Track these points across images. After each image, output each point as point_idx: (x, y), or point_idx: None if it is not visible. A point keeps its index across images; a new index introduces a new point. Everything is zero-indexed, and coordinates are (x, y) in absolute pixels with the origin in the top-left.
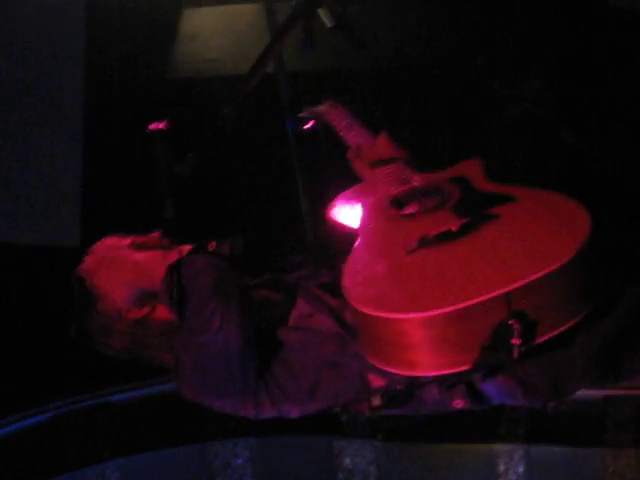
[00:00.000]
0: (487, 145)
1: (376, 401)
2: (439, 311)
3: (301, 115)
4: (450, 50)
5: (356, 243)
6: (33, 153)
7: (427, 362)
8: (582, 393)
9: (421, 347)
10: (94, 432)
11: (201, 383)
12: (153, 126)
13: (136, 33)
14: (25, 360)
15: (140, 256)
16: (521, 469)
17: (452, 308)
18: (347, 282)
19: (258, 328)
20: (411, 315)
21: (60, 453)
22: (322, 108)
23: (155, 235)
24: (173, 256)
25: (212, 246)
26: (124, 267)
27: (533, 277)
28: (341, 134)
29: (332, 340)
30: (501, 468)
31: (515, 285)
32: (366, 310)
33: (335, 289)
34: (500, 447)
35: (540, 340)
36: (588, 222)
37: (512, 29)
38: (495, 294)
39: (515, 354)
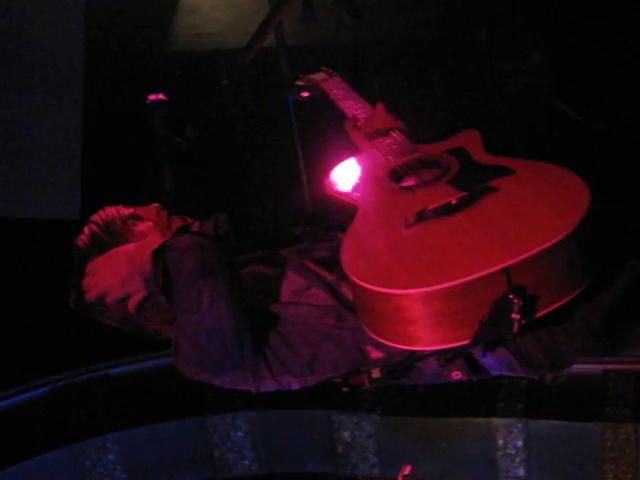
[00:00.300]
0: (488, 119)
1: (376, 373)
2: (439, 286)
3: (297, 83)
4: (451, 24)
5: (355, 217)
6: (33, 127)
7: (427, 337)
8: (581, 367)
9: (421, 322)
10: (93, 405)
11: (199, 361)
12: (152, 97)
13: (136, 6)
14: (24, 334)
15: (131, 246)
16: (520, 443)
17: (452, 283)
18: (346, 256)
19: (254, 304)
20: (411, 291)
21: (59, 426)
22: (318, 76)
23: (154, 207)
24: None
25: (196, 226)
26: (118, 258)
27: (532, 252)
28: (338, 104)
29: (329, 313)
30: (500, 442)
31: (515, 260)
32: (366, 285)
33: (331, 263)
34: (499, 421)
35: (540, 314)
36: (587, 195)
37: (513, 3)
38: (495, 269)
39: (515, 328)
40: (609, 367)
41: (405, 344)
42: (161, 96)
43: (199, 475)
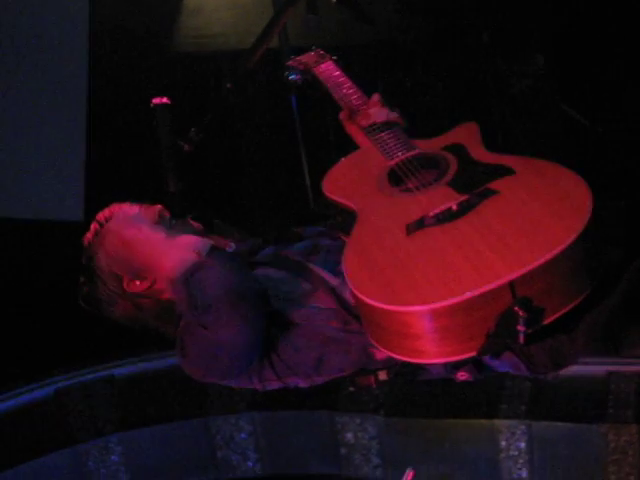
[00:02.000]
0: (491, 121)
1: (383, 375)
2: (444, 303)
3: (287, 64)
4: (454, 25)
5: (355, 224)
6: (36, 128)
7: (433, 350)
8: (584, 369)
9: (426, 337)
10: (97, 406)
11: (206, 367)
12: (156, 101)
13: (140, 7)
14: (28, 334)
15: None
16: (522, 445)
17: (457, 300)
18: (349, 270)
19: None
20: (416, 308)
21: (63, 427)
22: (309, 58)
23: (156, 208)
24: (176, 242)
25: (229, 246)
26: (123, 245)
27: (537, 263)
28: (330, 91)
29: (335, 317)
30: (503, 444)
31: (520, 272)
32: (370, 302)
33: (335, 266)
34: (502, 423)
35: (545, 322)
36: (589, 199)
37: (517, 5)
38: (500, 283)
39: (521, 340)
40: (612, 369)
41: (412, 357)
42: (165, 99)
43: (202, 476)
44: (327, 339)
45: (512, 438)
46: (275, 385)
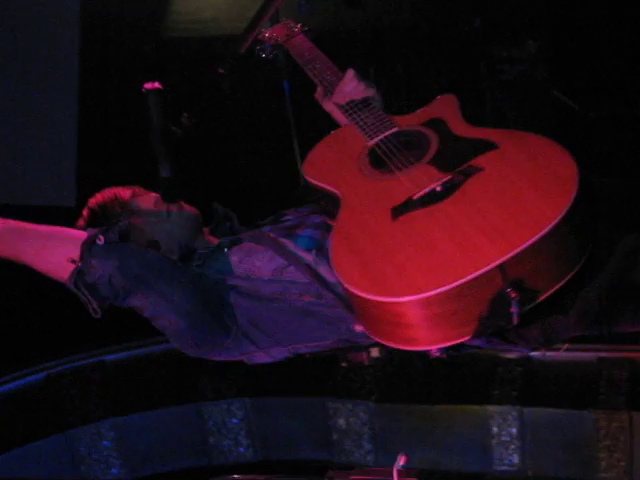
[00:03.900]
0: (483, 106)
1: (375, 352)
2: (435, 292)
3: (258, 38)
4: (446, 11)
5: (340, 211)
6: (28, 113)
7: (427, 338)
8: (575, 355)
9: (419, 325)
10: (89, 392)
11: (178, 342)
12: (147, 85)
13: None
14: (20, 320)
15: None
16: (514, 430)
17: (448, 287)
18: (337, 260)
19: (236, 282)
20: (407, 298)
21: (55, 413)
22: (278, 29)
23: (153, 196)
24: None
25: (101, 240)
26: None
27: (527, 243)
28: (304, 68)
29: (308, 291)
30: (494, 429)
31: (510, 255)
32: (360, 294)
33: (310, 242)
34: (493, 408)
35: (538, 301)
36: (575, 171)
37: None
38: (490, 267)
39: (515, 321)
40: (603, 355)
41: (405, 345)
42: (157, 84)
43: (194, 462)
44: (302, 312)
45: (504, 424)
46: (261, 358)
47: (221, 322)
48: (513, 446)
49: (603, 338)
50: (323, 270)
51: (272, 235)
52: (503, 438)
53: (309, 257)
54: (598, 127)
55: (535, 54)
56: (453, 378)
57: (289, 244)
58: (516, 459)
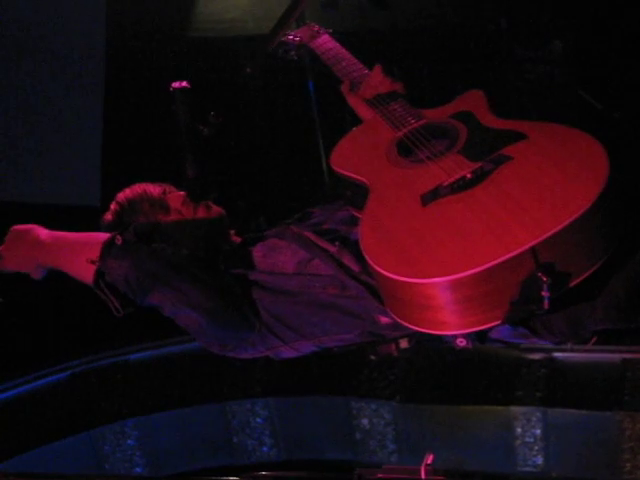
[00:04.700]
0: (508, 106)
1: (404, 343)
2: (466, 273)
3: (282, 40)
4: (473, 11)
5: (369, 198)
6: (53, 113)
7: (456, 321)
8: (600, 356)
9: (449, 308)
10: (113, 391)
11: (203, 340)
12: (175, 85)
13: None
14: (45, 319)
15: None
16: (538, 432)
17: (479, 269)
18: (367, 244)
19: (260, 277)
20: (437, 279)
21: (79, 411)
22: (302, 31)
23: (180, 195)
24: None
25: (119, 240)
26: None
27: (559, 227)
28: (329, 65)
29: (332, 283)
30: (518, 430)
31: (542, 238)
32: (390, 275)
33: (334, 234)
34: (517, 409)
35: (569, 286)
36: (606, 160)
37: None
38: (522, 250)
39: (546, 305)
40: (628, 356)
41: (434, 329)
42: (184, 83)
43: (218, 461)
44: (326, 305)
45: (528, 425)
46: (287, 352)
47: (245, 318)
48: (537, 447)
49: (629, 333)
50: (347, 260)
51: (295, 229)
52: (527, 439)
53: (333, 249)
54: (623, 128)
55: (560, 54)
56: (477, 379)
57: (312, 236)
58: (540, 460)
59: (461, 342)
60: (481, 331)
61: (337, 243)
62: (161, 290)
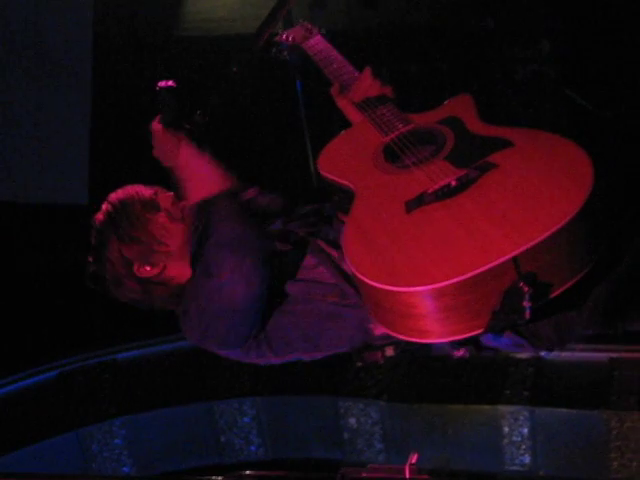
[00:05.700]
0: (496, 106)
1: (389, 352)
2: (448, 282)
3: (275, 40)
4: (460, 11)
5: (354, 203)
6: (41, 112)
7: (439, 330)
8: (587, 355)
9: (431, 317)
10: (100, 390)
11: (204, 331)
12: (162, 84)
13: None
14: (32, 318)
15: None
16: (525, 430)
17: (461, 278)
18: (350, 250)
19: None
20: (419, 288)
21: (66, 411)
22: (296, 31)
23: (169, 196)
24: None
25: (250, 194)
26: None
27: (541, 237)
28: (320, 66)
29: (332, 291)
30: (505, 429)
31: (524, 248)
32: (372, 283)
33: (338, 242)
34: (505, 408)
35: (551, 296)
36: (590, 168)
37: None
38: (503, 259)
39: (527, 315)
40: (615, 355)
41: (417, 338)
42: (171, 82)
43: (205, 460)
44: (324, 314)
45: (515, 424)
46: (274, 361)
47: (261, 324)
48: (524, 446)
49: (616, 337)
50: (346, 266)
51: (302, 233)
52: (514, 438)
53: (337, 254)
54: (613, 127)
55: (548, 54)
56: (464, 378)
57: (318, 241)
58: (527, 459)
59: (458, 352)
60: (477, 341)
61: (340, 249)
62: (239, 261)
